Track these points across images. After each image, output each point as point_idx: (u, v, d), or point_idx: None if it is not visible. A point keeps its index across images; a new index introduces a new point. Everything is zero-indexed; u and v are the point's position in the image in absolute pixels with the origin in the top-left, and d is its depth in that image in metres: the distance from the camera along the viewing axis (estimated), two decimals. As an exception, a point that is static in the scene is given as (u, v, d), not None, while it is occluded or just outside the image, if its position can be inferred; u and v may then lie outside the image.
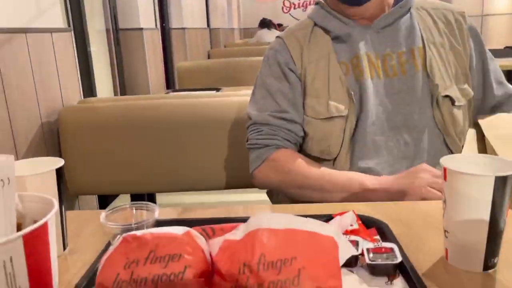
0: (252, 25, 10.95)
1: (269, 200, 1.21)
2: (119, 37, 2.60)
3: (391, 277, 0.57)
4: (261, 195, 1.59)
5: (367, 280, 0.56)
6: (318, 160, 1.00)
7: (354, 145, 0.98)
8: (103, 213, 0.66)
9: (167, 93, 2.57)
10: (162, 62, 3.36)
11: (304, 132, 1.01)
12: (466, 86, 1.02)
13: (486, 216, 0.55)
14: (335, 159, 0.98)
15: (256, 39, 7.50)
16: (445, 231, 0.61)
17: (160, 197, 1.74)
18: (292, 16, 12.22)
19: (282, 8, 12.59)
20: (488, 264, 0.58)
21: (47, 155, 1.42)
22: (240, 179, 1.41)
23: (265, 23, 7.70)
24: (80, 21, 1.84)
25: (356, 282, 0.56)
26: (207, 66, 3.32)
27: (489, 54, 1.08)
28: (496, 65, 1.10)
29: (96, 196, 1.74)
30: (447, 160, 0.60)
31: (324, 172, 0.96)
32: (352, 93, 0.97)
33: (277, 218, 0.53)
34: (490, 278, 0.57)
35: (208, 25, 5.94)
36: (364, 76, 0.98)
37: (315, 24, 1.04)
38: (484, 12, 6.19)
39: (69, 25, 1.54)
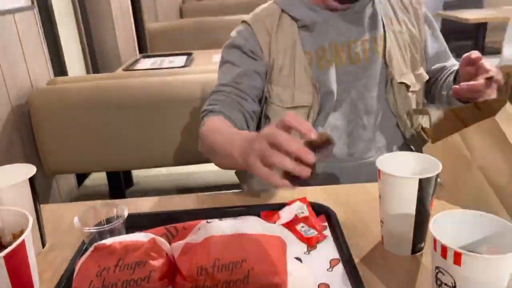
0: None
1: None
2: (86, 4, 2.53)
3: (332, 263, 0.66)
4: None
5: (312, 267, 0.65)
6: None
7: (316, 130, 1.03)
8: (76, 218, 0.72)
9: (137, 60, 2.55)
10: (133, 25, 3.29)
11: (269, 118, 1.06)
12: (421, 71, 1.08)
13: (412, 210, 0.64)
14: None
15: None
16: (381, 220, 0.69)
17: (135, 171, 1.80)
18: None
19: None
20: (416, 249, 0.67)
21: (21, 139, 1.45)
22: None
23: None
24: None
25: (302, 270, 0.65)
26: (179, 27, 3.27)
27: (443, 43, 1.15)
28: (446, 48, 1.16)
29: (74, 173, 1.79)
30: (381, 161, 0.67)
31: (223, 131, 0.88)
32: (317, 84, 1.00)
33: (229, 225, 0.61)
34: (417, 260, 0.67)
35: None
36: (329, 64, 1.01)
37: (282, 11, 1.05)
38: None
39: (32, 3, 1.51)
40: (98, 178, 1.82)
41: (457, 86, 0.86)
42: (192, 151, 1.47)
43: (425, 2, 1.13)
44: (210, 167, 1.76)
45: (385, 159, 0.68)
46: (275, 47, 1.03)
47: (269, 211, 0.78)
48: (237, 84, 1.02)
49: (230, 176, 1.59)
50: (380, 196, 0.68)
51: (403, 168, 0.66)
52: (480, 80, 0.84)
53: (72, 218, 0.84)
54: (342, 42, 1.02)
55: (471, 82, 0.85)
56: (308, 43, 1.02)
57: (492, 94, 0.86)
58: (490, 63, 0.88)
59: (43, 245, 0.77)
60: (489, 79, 0.84)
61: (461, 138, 0.70)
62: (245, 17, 1.09)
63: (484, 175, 0.68)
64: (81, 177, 1.82)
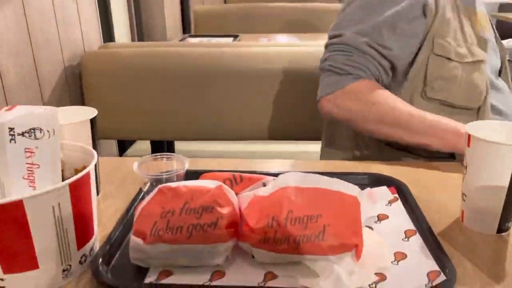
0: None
1: (286, 152, 1.22)
2: (137, -22, 2.53)
3: (407, 234, 0.60)
4: (280, 146, 1.63)
5: (385, 236, 0.60)
6: (460, 112, 0.93)
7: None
8: (136, 163, 0.69)
9: (183, 38, 2.54)
10: (179, 5, 3.28)
11: (441, 78, 0.93)
12: None
13: (505, 182, 0.57)
14: (478, 108, 0.94)
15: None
16: (463, 194, 0.63)
17: (178, 144, 1.77)
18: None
19: None
20: (502, 227, 0.61)
21: (70, 99, 1.45)
22: (258, 131, 1.44)
23: None
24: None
25: (375, 238, 0.60)
26: (225, 10, 3.25)
27: None
28: None
29: (116, 140, 1.78)
30: (472, 127, 0.61)
31: (412, 109, 0.89)
32: (486, 39, 0.97)
33: (304, 177, 0.56)
34: (503, 240, 0.60)
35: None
36: (479, 26, 0.99)
37: None
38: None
39: (89, -34, 1.51)
40: (139, 150, 1.80)
41: None
42: (242, 128, 1.43)
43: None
44: (255, 147, 1.72)
45: (476, 125, 0.62)
46: None
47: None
48: (388, 51, 0.94)
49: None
50: (465, 166, 0.62)
51: (496, 136, 0.60)
52: None
53: (127, 171, 0.83)
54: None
55: None
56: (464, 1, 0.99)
57: None
58: None
59: (97, 193, 0.75)
60: None
61: None
62: None
63: None
64: (122, 148, 1.82)
